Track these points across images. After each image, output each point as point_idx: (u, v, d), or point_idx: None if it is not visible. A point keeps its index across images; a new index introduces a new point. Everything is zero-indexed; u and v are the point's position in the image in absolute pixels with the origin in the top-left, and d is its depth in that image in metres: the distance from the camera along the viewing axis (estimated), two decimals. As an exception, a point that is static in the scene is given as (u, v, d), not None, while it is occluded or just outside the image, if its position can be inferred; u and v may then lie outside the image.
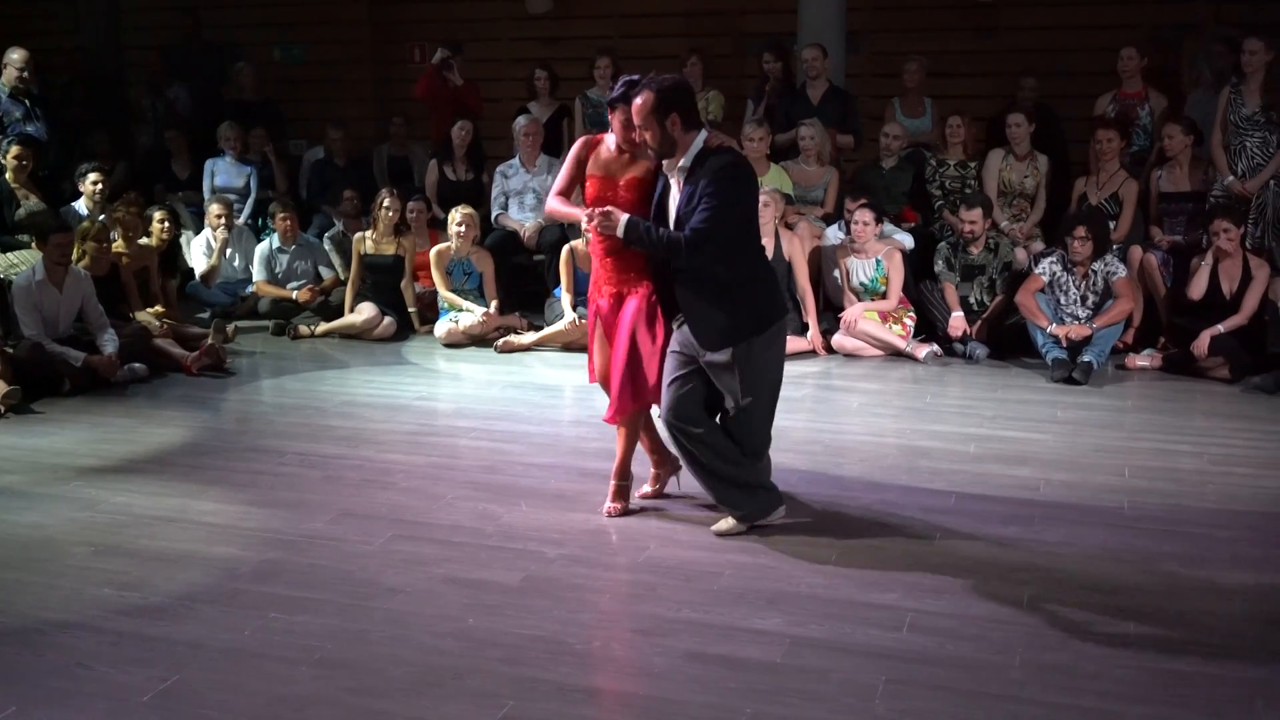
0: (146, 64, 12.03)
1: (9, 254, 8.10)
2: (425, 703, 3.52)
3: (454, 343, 8.46)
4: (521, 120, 9.59)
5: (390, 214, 8.79)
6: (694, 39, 10.72)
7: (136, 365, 7.44)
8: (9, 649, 3.87)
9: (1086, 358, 7.37)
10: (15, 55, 8.87)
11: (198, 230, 9.68)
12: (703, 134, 4.57)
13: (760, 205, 8.07)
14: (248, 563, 4.56)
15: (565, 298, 8.39)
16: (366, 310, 8.70)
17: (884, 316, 8.06)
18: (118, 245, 8.13)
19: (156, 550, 4.69)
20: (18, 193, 8.22)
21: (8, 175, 8.19)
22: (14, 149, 8.21)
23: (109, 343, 7.35)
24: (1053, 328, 7.57)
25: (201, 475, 5.63)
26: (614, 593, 4.27)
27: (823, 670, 3.68)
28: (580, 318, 8.23)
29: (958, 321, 8.00)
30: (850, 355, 8.04)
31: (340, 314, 8.89)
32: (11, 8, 11.97)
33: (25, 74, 8.88)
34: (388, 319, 8.72)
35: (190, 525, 4.97)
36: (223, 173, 10.11)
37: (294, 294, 9.08)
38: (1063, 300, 7.75)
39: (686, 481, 5.10)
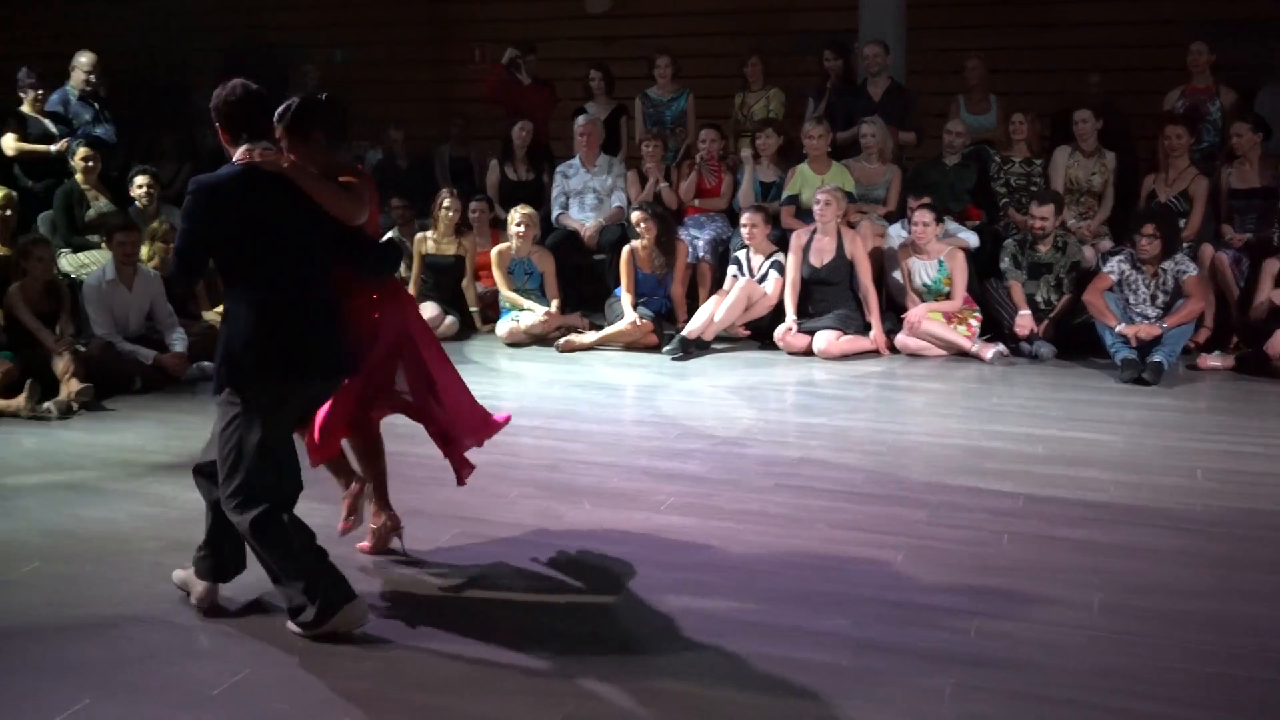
0: (210, 66, 12.18)
1: (80, 254, 8.24)
2: (487, 701, 3.53)
3: (515, 342, 8.49)
4: (580, 120, 9.61)
5: (450, 214, 8.84)
6: (752, 37, 10.67)
7: (205, 363, 7.53)
8: (82, 642, 3.93)
9: (1156, 358, 7.25)
10: (83, 59, 9.03)
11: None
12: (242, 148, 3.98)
13: (821, 204, 8.10)
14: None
15: (626, 297, 8.39)
16: (429, 309, 8.74)
17: (949, 317, 7.98)
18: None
19: (224, 546, 4.74)
20: (88, 194, 8.36)
21: (78, 177, 8.33)
22: (83, 150, 8.35)
23: (178, 341, 7.47)
24: (1121, 327, 7.46)
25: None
26: (675, 592, 4.25)
27: (888, 673, 3.64)
28: (641, 317, 8.23)
29: (1024, 321, 7.90)
30: (914, 355, 7.96)
31: (402, 313, 8.95)
32: (77, 11, 12.17)
33: (93, 77, 9.03)
34: (450, 318, 8.78)
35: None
36: (287, 174, 10.21)
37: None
38: (1132, 299, 7.62)
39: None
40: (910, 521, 4.91)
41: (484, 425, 4.67)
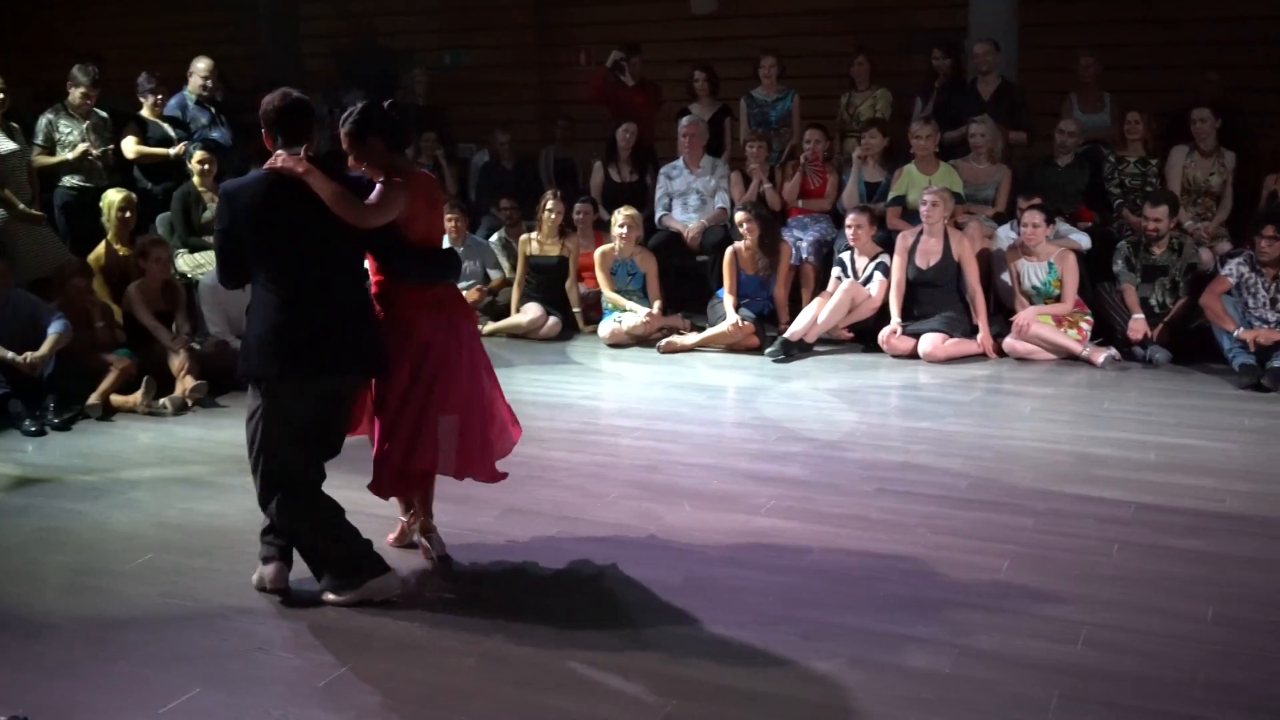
0: (323, 71, 12.45)
1: (196, 254, 8.47)
2: (586, 700, 3.54)
3: (617, 343, 8.52)
4: (684, 121, 9.61)
5: (553, 216, 8.90)
6: (859, 36, 10.57)
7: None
8: (193, 632, 4.04)
9: (1276, 363, 7.01)
10: (200, 64, 9.28)
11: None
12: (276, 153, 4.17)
13: (928, 205, 7.99)
14: (415, 556, 4.66)
15: (728, 299, 8.37)
16: (532, 310, 8.83)
17: (1058, 320, 7.81)
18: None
19: (330, 541, 4.83)
20: (204, 196, 8.59)
21: (195, 179, 8.56)
22: (199, 154, 8.58)
23: (288, 340, 7.63)
24: (1240, 331, 7.22)
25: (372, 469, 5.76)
26: (776, 595, 4.22)
27: (991, 682, 3.57)
28: (743, 319, 8.20)
29: (1138, 324, 7.69)
30: (1022, 359, 7.80)
31: (507, 314, 9.06)
32: (195, 17, 12.52)
33: (209, 82, 9.28)
34: (553, 319, 8.84)
35: (362, 517, 5.07)
36: (396, 176, 10.38)
37: (463, 294, 9.26)
38: (1251, 303, 7.38)
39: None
40: (1016, 529, 4.81)
41: (483, 457, 4.50)
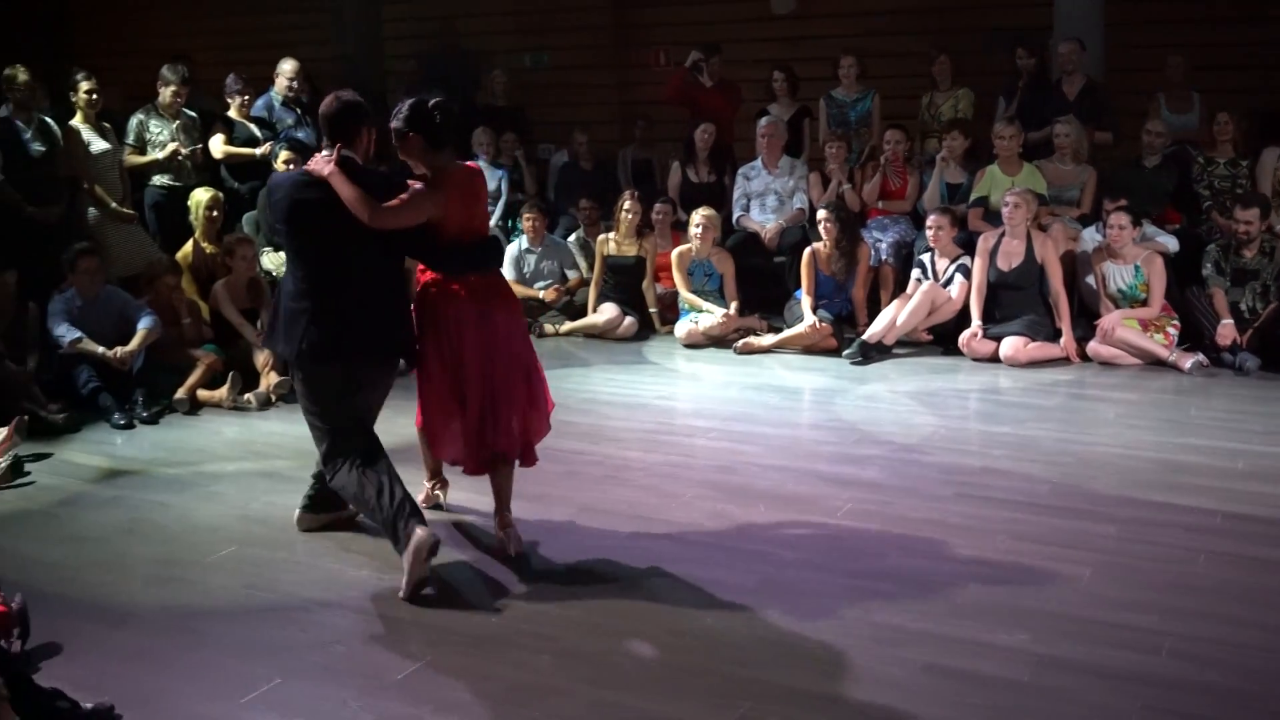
0: (404, 72, 12.59)
1: (280, 253, 8.60)
2: (661, 699, 3.55)
3: (694, 343, 8.51)
4: (762, 122, 9.57)
5: (631, 216, 8.92)
6: (939, 35, 10.45)
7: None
8: (274, 624, 4.11)
9: (1372, 371, 6.82)
10: (286, 66, 9.43)
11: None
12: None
13: (1010, 206, 7.88)
14: (493, 553, 4.70)
15: (806, 300, 8.32)
16: (609, 310, 8.86)
17: (1144, 324, 7.66)
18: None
19: (408, 537, 4.89)
20: (289, 195, 8.72)
21: (280, 179, 8.70)
22: (285, 154, 8.71)
23: (368, 337, 7.74)
24: (1333, 338, 7.03)
25: (452, 467, 5.82)
26: (851, 599, 4.19)
27: (1072, 692, 3.52)
28: (820, 320, 8.15)
29: (1227, 330, 7.51)
30: (1106, 364, 7.66)
31: (584, 313, 9.09)
32: (282, 19, 12.73)
33: (295, 83, 9.42)
34: (629, 319, 8.86)
35: (442, 512, 5.17)
36: (475, 176, 10.48)
37: (540, 293, 9.32)
38: (1345, 308, 7.18)
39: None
40: (1098, 536, 4.73)
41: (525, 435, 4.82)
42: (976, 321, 7.93)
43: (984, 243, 8.07)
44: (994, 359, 7.76)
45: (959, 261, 8.16)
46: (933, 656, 3.74)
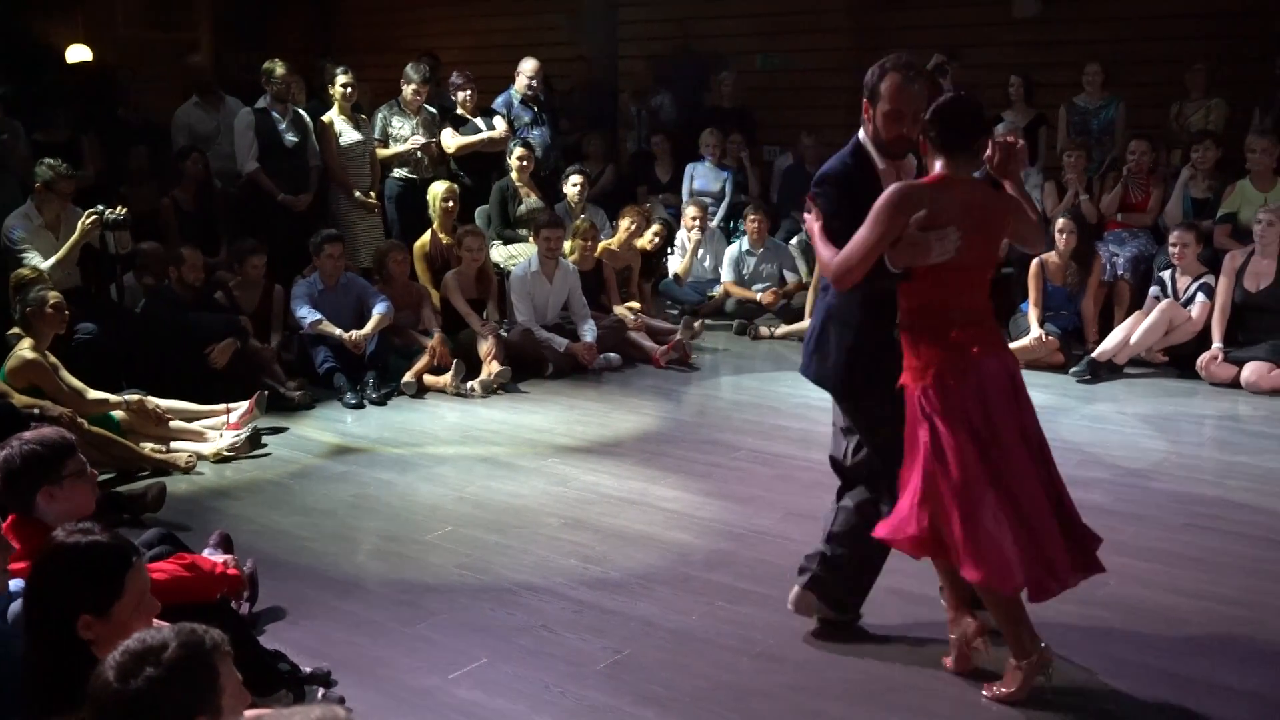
0: (636, 72, 12.76)
1: (509, 246, 8.86)
2: (865, 710, 3.49)
3: (913, 352, 8.33)
4: (998, 129, 9.29)
5: (854, 221, 8.79)
6: (1197, 42, 9.91)
7: (611, 355, 7.95)
8: (484, 605, 4.23)
9: None
10: (527, 65, 9.68)
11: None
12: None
13: (1263, 224, 7.42)
14: (699, 550, 4.72)
15: (1032, 313, 8.03)
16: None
17: None
18: (611, 243, 8.75)
19: (618, 529, 4.96)
20: (520, 191, 8.96)
21: (513, 174, 8.95)
22: (519, 150, 8.96)
23: (588, 332, 7.90)
24: None
25: (662, 462, 5.89)
26: (1069, 626, 4.01)
27: (1307, 743, 3.29)
28: (1047, 334, 7.86)
29: None
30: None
31: (800, 317, 9.01)
32: (524, 20, 13.09)
33: (534, 82, 9.66)
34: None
35: (649, 508, 5.22)
36: (701, 177, 10.52)
37: (758, 296, 9.31)
38: None
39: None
40: (1347, 578, 4.41)
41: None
42: (1218, 344, 7.50)
43: (1230, 261, 7.62)
44: (1234, 384, 7.32)
45: (1202, 280, 7.74)
46: (1154, 692, 3.57)
